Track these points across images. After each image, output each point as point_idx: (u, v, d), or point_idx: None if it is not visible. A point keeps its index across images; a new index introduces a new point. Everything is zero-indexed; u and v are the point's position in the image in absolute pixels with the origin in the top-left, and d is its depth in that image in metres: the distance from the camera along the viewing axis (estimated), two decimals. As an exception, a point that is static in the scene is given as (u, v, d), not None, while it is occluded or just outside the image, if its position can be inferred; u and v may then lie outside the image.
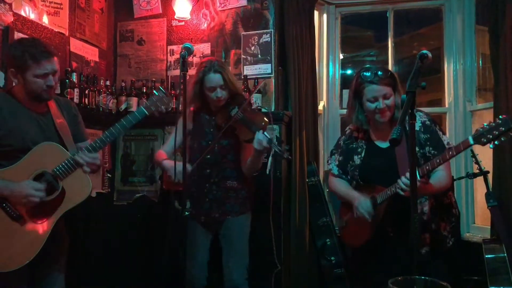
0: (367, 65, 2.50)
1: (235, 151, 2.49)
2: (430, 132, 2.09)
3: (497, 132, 1.77)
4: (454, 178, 2.98)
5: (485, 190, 2.58)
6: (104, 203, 3.41)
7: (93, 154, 1.95)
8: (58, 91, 2.95)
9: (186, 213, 1.96)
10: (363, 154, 2.20)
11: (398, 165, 2.04)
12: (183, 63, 1.98)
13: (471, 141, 1.85)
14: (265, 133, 2.25)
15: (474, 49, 3.32)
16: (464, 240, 3.11)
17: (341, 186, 2.29)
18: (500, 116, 1.82)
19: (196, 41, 3.49)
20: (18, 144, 1.90)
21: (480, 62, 3.37)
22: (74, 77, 3.06)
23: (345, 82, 3.73)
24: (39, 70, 1.89)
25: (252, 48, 3.36)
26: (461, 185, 3.22)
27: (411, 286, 1.22)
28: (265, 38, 3.33)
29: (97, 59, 3.48)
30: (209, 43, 3.47)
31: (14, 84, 2.04)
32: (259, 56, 3.34)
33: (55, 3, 3.05)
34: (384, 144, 2.18)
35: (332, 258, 3.20)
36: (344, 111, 3.67)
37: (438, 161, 1.91)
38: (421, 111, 2.21)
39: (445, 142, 2.11)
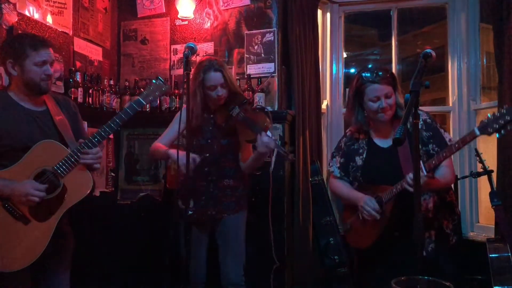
0: (369, 65, 2.49)
1: (234, 150, 2.50)
2: (432, 130, 2.10)
3: (502, 121, 1.77)
4: (458, 177, 2.98)
5: (489, 189, 2.57)
6: (108, 202, 3.42)
7: (94, 149, 1.95)
8: (62, 90, 2.97)
9: (190, 212, 1.96)
10: (364, 155, 2.19)
11: (401, 164, 2.04)
12: (187, 63, 1.98)
13: (477, 132, 1.84)
14: (269, 133, 2.26)
15: (478, 48, 3.31)
16: (468, 239, 3.10)
17: (343, 188, 2.28)
18: (504, 106, 1.82)
19: (200, 40, 3.50)
20: (17, 143, 1.90)
21: (485, 60, 3.36)
22: (78, 77, 3.07)
23: (348, 81, 3.71)
24: (38, 58, 1.92)
25: (256, 47, 3.36)
26: (465, 184, 3.21)
27: (414, 286, 1.22)
28: (268, 37, 3.33)
29: (100, 59, 3.49)
30: (212, 42, 3.47)
31: (9, 79, 2.04)
32: (263, 55, 3.34)
33: (59, 2, 3.05)
34: (385, 144, 2.17)
35: (336, 257, 3.20)
36: (348, 110, 3.67)
37: (444, 154, 1.91)
38: (420, 109, 2.21)
39: (447, 139, 2.11)
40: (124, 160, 3.57)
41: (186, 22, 3.55)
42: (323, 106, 3.57)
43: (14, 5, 2.67)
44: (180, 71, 3.50)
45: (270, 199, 2.86)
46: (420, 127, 2.06)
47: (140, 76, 3.61)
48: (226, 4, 3.45)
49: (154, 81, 2.11)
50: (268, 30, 3.33)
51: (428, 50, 1.65)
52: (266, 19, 3.35)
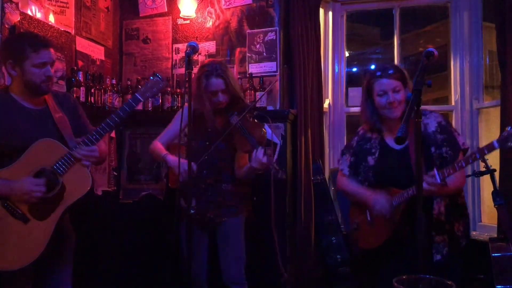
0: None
1: (231, 155, 2.48)
2: (447, 133, 2.07)
3: None
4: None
5: (491, 189, 2.56)
6: (110, 201, 3.43)
7: (90, 147, 1.94)
8: (64, 89, 2.97)
9: (192, 211, 1.96)
10: (377, 155, 2.16)
11: (413, 166, 1.99)
12: (188, 62, 1.98)
13: (496, 145, 1.83)
14: (262, 151, 2.25)
15: (481, 46, 3.30)
16: (471, 238, 3.09)
17: (353, 186, 2.25)
18: None
19: (201, 39, 3.50)
20: (16, 143, 1.89)
21: (487, 59, 3.35)
22: (80, 76, 3.07)
23: (350, 80, 3.72)
24: (38, 59, 1.89)
25: (257, 46, 3.36)
26: (467, 183, 3.20)
27: (417, 285, 1.21)
28: (270, 36, 3.32)
29: (103, 58, 3.49)
30: (214, 41, 3.47)
31: (11, 79, 2.03)
32: (264, 54, 3.33)
33: (61, 2, 3.06)
34: (398, 146, 2.13)
35: (338, 256, 3.20)
36: (350, 109, 3.67)
37: (460, 165, 1.89)
38: (434, 111, 2.19)
39: (461, 143, 2.08)
40: (126, 159, 3.58)
41: (188, 21, 3.56)
42: (325, 105, 3.56)
43: (17, 4, 2.68)
44: (182, 70, 3.51)
45: (272, 208, 2.85)
46: (434, 129, 2.05)
47: (142, 75, 3.61)
48: (228, 3, 3.45)
49: (151, 77, 2.11)
50: (270, 29, 3.33)
51: (430, 49, 1.64)
52: (268, 18, 3.35)
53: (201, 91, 2.42)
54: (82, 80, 3.08)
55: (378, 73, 2.10)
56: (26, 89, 1.95)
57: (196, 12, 3.51)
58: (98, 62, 3.43)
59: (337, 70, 3.68)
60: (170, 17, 3.60)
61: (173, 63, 3.59)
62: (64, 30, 3.09)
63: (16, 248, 1.84)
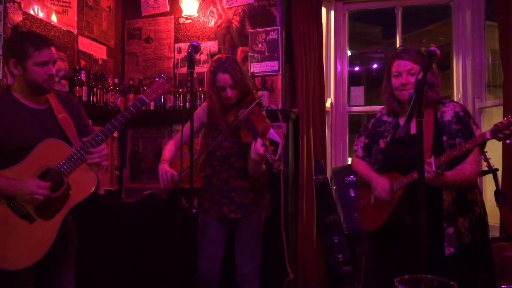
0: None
1: (243, 150, 2.48)
2: (463, 123, 2.00)
3: None
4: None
5: (494, 188, 2.56)
6: (112, 200, 3.44)
7: (98, 148, 1.94)
8: (66, 89, 2.98)
9: (193, 210, 1.97)
10: (388, 139, 2.14)
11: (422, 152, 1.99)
12: (190, 61, 1.98)
13: (488, 136, 1.79)
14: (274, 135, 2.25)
15: (483, 45, 3.29)
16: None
17: (362, 167, 2.24)
18: None
19: (203, 38, 3.50)
20: (21, 143, 1.89)
21: (490, 58, 3.34)
22: (82, 75, 3.08)
23: (352, 79, 3.72)
24: (40, 58, 1.89)
25: (259, 45, 3.35)
26: (470, 182, 3.20)
27: (418, 285, 1.21)
28: (272, 35, 3.32)
29: (105, 57, 3.50)
30: (216, 41, 3.47)
31: (13, 78, 2.03)
32: (266, 53, 3.33)
33: (63, 1, 3.06)
34: (411, 131, 2.04)
35: (340, 255, 3.20)
36: (352, 108, 3.67)
37: (454, 152, 1.85)
38: (454, 101, 2.15)
39: (477, 135, 1.97)
40: (128, 158, 3.58)
41: (190, 21, 3.56)
42: (327, 104, 3.56)
43: (19, 4, 2.68)
44: (184, 70, 3.51)
45: (282, 208, 2.86)
46: (450, 118, 2.01)
47: (144, 74, 3.61)
48: (230, 3, 3.45)
49: (157, 78, 2.11)
50: (272, 28, 3.33)
51: (432, 48, 1.64)
52: (270, 17, 3.35)
53: (209, 86, 2.44)
54: (84, 79, 3.08)
55: (398, 54, 2.09)
56: (28, 88, 1.95)
57: (198, 12, 3.51)
58: (100, 62, 3.44)
59: (339, 69, 3.67)
60: (172, 16, 3.61)
61: (175, 62, 3.59)
62: (66, 30, 3.09)
63: (21, 248, 1.84)
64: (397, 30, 3.57)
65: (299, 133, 3.25)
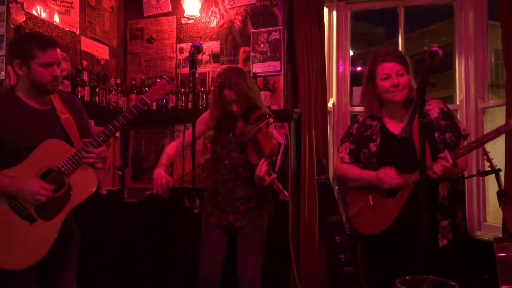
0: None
1: (248, 161, 2.44)
2: (449, 118, 2.08)
3: None
4: (465, 176, 2.95)
5: (497, 188, 2.55)
6: (114, 200, 3.44)
7: (99, 149, 1.95)
8: (69, 89, 2.99)
9: (196, 210, 1.97)
10: (378, 142, 2.15)
11: (417, 152, 1.98)
12: (192, 62, 1.98)
13: None
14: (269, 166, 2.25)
15: (486, 45, 3.28)
16: (476, 238, 3.08)
17: (354, 170, 2.22)
18: None
19: (206, 39, 3.50)
20: (23, 142, 1.90)
21: (493, 58, 3.33)
22: (85, 76, 3.08)
23: (355, 79, 3.70)
24: (45, 59, 1.90)
25: (261, 45, 3.35)
26: (472, 183, 3.19)
27: (420, 286, 1.21)
28: (274, 35, 3.32)
29: (107, 58, 3.50)
30: (218, 41, 3.47)
31: (17, 79, 2.04)
32: (269, 53, 3.33)
33: (66, 2, 3.07)
34: (399, 130, 2.12)
35: (342, 255, 3.20)
36: (354, 108, 3.66)
37: (474, 145, 1.91)
38: (433, 98, 2.19)
39: (462, 129, 2.09)
40: (130, 158, 3.59)
41: (192, 21, 3.56)
42: (329, 104, 3.56)
43: (22, 4, 2.69)
44: (186, 70, 3.50)
45: (290, 219, 2.85)
46: (437, 115, 2.06)
47: (146, 75, 3.62)
48: (232, 3, 3.45)
49: (158, 79, 2.11)
50: (274, 28, 3.33)
51: (434, 48, 1.64)
52: (272, 17, 3.35)
53: (213, 99, 2.46)
54: (86, 79, 3.09)
55: (381, 57, 2.10)
56: (32, 88, 1.96)
57: (200, 12, 3.51)
58: (102, 62, 3.44)
59: (341, 69, 3.67)
60: (174, 16, 3.61)
61: (177, 62, 3.59)
62: (69, 30, 3.10)
63: (21, 248, 1.84)
64: (399, 30, 3.56)
65: (301, 133, 3.25)
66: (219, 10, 3.49)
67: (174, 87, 2.14)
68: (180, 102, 3.39)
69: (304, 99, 3.26)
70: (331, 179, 3.37)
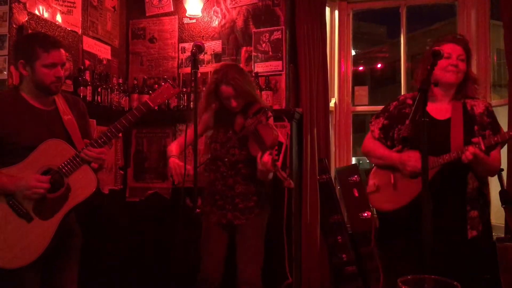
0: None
1: (250, 157, 2.45)
2: (493, 118, 2.09)
3: None
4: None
5: (499, 188, 2.55)
6: (116, 200, 3.45)
7: (99, 149, 1.95)
8: (71, 89, 2.99)
9: (197, 210, 1.97)
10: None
11: (451, 138, 2.00)
12: (194, 61, 1.99)
13: None
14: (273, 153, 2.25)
15: (488, 45, 3.27)
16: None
17: (380, 148, 2.20)
18: None
19: (207, 38, 3.50)
20: (24, 142, 1.90)
21: (495, 58, 3.32)
22: (87, 75, 3.09)
23: (357, 78, 3.71)
24: (48, 60, 1.91)
25: (263, 45, 3.35)
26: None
27: (422, 285, 1.21)
28: (276, 35, 3.32)
29: (109, 57, 3.51)
30: (220, 41, 3.48)
31: (20, 79, 2.05)
32: (270, 53, 3.33)
33: (68, 2, 3.08)
34: (439, 116, 2.10)
35: (344, 255, 3.20)
36: (356, 108, 3.67)
37: (505, 135, 1.90)
38: (481, 99, 2.22)
39: (503, 131, 2.07)
40: (132, 158, 3.59)
41: (194, 21, 3.56)
42: (331, 104, 3.56)
43: (24, 4, 2.70)
44: (188, 70, 3.51)
45: (285, 217, 2.86)
46: (482, 111, 2.07)
47: (148, 74, 3.62)
48: (234, 2, 3.45)
49: (163, 83, 2.12)
50: (276, 28, 3.33)
51: (437, 48, 1.64)
52: (274, 17, 3.35)
53: (207, 94, 2.47)
54: (88, 79, 3.09)
55: (451, 38, 2.13)
56: (35, 89, 1.97)
57: (202, 11, 3.51)
58: (104, 62, 3.45)
59: (343, 69, 3.67)
60: (176, 16, 3.61)
61: (179, 62, 3.59)
62: (71, 30, 3.11)
63: (17, 247, 1.84)
64: (402, 30, 3.56)
65: (303, 132, 3.25)
66: (221, 9, 3.49)
67: (178, 91, 2.14)
68: (182, 102, 3.39)
69: (306, 99, 3.26)
70: (333, 179, 3.37)
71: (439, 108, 2.11)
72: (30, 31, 2.70)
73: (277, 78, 3.30)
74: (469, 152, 1.86)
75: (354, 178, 3.34)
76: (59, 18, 3.00)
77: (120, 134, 3.41)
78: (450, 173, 1.97)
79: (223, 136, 2.51)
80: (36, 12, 2.80)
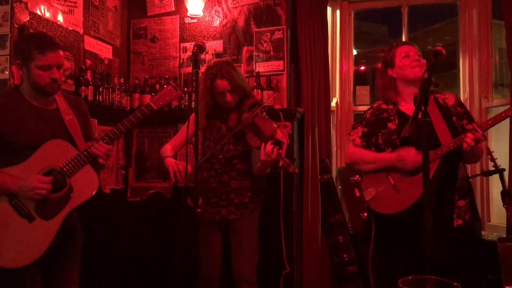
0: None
1: (246, 152, 2.50)
2: (464, 108, 2.17)
3: None
4: (469, 176, 2.94)
5: (500, 188, 2.55)
6: (118, 199, 3.45)
7: (108, 146, 1.96)
8: (72, 88, 2.99)
9: (198, 209, 1.98)
10: (397, 122, 2.15)
11: (437, 132, 2.02)
12: (195, 61, 1.99)
13: None
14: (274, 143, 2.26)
15: (490, 44, 3.27)
16: (479, 238, 3.07)
17: (368, 152, 2.21)
18: None
19: (209, 38, 3.50)
20: (26, 141, 1.91)
21: (497, 57, 3.31)
22: (88, 75, 3.09)
23: (358, 78, 3.70)
24: (43, 62, 1.89)
25: (265, 45, 3.35)
26: (476, 182, 3.18)
27: (423, 286, 1.21)
28: (278, 34, 3.32)
29: (110, 57, 3.51)
30: (222, 40, 3.47)
31: (21, 79, 2.05)
32: (272, 53, 3.33)
33: (69, 1, 3.08)
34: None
35: (345, 255, 3.19)
36: (357, 108, 3.66)
37: (503, 115, 1.94)
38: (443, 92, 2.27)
39: (474, 119, 2.18)
40: (134, 157, 3.59)
41: (195, 20, 3.56)
42: (333, 103, 3.55)
43: (26, 4, 2.70)
44: (190, 69, 3.51)
45: (281, 205, 2.86)
46: (454, 102, 2.15)
47: (149, 74, 3.62)
48: (235, 2, 3.45)
49: (165, 86, 2.12)
50: (277, 27, 3.32)
51: (438, 48, 1.63)
52: (275, 16, 3.34)
53: (203, 91, 2.48)
54: (90, 79, 3.10)
55: (399, 43, 2.24)
56: (32, 89, 1.97)
57: (204, 11, 3.51)
58: (106, 61, 3.45)
59: (344, 69, 3.66)
60: (178, 16, 3.61)
61: (181, 62, 3.59)
62: (72, 30, 3.11)
63: (18, 246, 1.85)
64: (403, 29, 3.56)
65: (304, 132, 3.25)
66: (222, 9, 3.49)
67: (181, 93, 2.15)
68: (183, 101, 3.39)
69: (307, 99, 3.26)
70: (334, 179, 3.37)
71: (413, 107, 2.11)
72: (31, 30, 2.70)
73: (278, 77, 3.29)
74: (470, 139, 1.90)
75: (355, 178, 3.34)
76: (60, 17, 3.00)
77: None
78: (446, 164, 2.01)
79: (216, 133, 2.52)
80: (38, 11, 2.80)
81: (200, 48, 2.02)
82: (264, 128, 2.34)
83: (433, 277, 1.22)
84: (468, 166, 2.73)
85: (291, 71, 3.32)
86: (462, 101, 3.30)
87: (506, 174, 2.63)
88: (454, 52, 3.49)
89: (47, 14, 2.88)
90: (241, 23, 3.44)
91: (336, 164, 3.57)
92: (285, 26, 3.31)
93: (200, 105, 2.49)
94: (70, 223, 2.00)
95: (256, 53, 3.37)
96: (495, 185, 3.02)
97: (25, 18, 2.69)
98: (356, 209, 3.28)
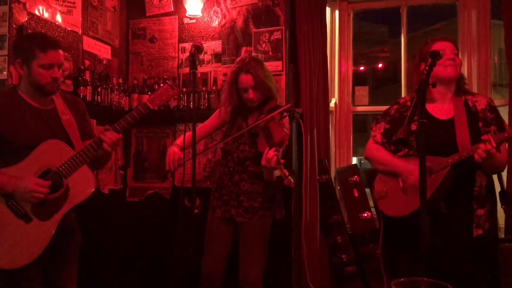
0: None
1: (259, 156, 2.39)
2: (496, 113, 2.07)
3: None
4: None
5: (499, 189, 2.54)
6: (116, 200, 3.45)
7: (117, 134, 1.96)
8: (71, 89, 3.00)
9: (195, 210, 1.98)
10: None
11: (457, 137, 1.98)
12: (193, 62, 1.99)
13: None
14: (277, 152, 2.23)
15: (489, 45, 3.26)
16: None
17: (383, 153, 2.18)
18: None
19: (207, 38, 3.50)
20: (26, 141, 1.91)
21: (496, 57, 3.31)
22: (87, 75, 3.09)
23: (357, 79, 3.70)
24: (45, 60, 1.90)
25: (263, 45, 3.35)
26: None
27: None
28: (276, 35, 3.32)
29: (109, 57, 3.51)
30: (220, 41, 3.47)
31: (19, 79, 2.05)
32: (270, 53, 3.33)
33: (68, 2, 3.08)
34: (441, 116, 2.09)
35: (343, 255, 3.19)
36: (356, 108, 3.66)
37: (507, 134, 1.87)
38: (481, 95, 2.23)
39: (507, 127, 2.07)
40: (132, 157, 3.59)
41: (194, 21, 3.56)
42: (331, 104, 3.55)
43: (24, 4, 2.70)
44: (188, 70, 3.51)
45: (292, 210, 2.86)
46: (484, 107, 2.06)
47: (148, 74, 3.62)
48: (234, 2, 3.45)
49: (162, 85, 2.12)
50: (276, 28, 3.32)
51: (436, 49, 1.63)
52: (274, 17, 3.34)
53: (228, 84, 2.45)
54: (88, 79, 3.10)
55: (438, 38, 2.16)
56: (32, 88, 1.97)
57: (202, 12, 3.51)
58: (104, 62, 3.45)
59: (343, 69, 3.66)
60: (177, 16, 3.61)
61: (179, 62, 3.59)
62: (71, 30, 3.11)
63: (15, 247, 1.85)
64: (402, 30, 3.56)
65: (303, 133, 3.24)
66: (221, 10, 3.49)
67: (178, 92, 2.14)
68: (182, 102, 3.39)
69: (306, 99, 3.26)
70: (333, 179, 3.37)
71: (440, 108, 2.10)
72: (30, 31, 2.70)
73: (277, 78, 3.28)
74: (481, 150, 1.84)
75: (354, 179, 3.34)
76: (59, 18, 3.00)
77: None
78: (459, 172, 1.96)
79: (236, 131, 2.48)
80: (36, 12, 2.80)
81: (198, 49, 2.02)
82: (275, 134, 2.30)
83: (425, 279, 1.22)
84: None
85: (290, 71, 3.32)
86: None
87: (504, 174, 2.62)
88: (453, 53, 3.48)
89: (46, 15, 2.88)
90: (239, 23, 3.43)
91: (334, 164, 3.56)
92: (283, 27, 3.31)
93: (224, 99, 2.48)
94: (68, 223, 2.00)
95: (255, 54, 3.36)
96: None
97: (23, 18, 2.69)
98: (354, 209, 3.27)
